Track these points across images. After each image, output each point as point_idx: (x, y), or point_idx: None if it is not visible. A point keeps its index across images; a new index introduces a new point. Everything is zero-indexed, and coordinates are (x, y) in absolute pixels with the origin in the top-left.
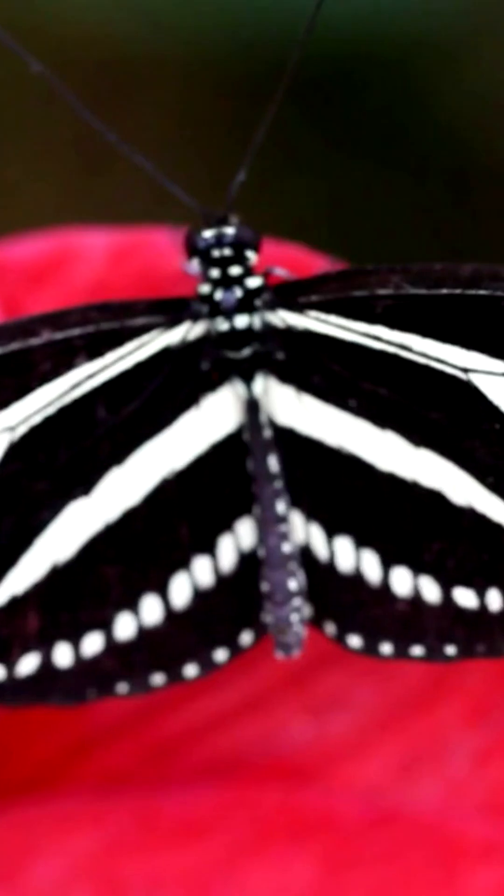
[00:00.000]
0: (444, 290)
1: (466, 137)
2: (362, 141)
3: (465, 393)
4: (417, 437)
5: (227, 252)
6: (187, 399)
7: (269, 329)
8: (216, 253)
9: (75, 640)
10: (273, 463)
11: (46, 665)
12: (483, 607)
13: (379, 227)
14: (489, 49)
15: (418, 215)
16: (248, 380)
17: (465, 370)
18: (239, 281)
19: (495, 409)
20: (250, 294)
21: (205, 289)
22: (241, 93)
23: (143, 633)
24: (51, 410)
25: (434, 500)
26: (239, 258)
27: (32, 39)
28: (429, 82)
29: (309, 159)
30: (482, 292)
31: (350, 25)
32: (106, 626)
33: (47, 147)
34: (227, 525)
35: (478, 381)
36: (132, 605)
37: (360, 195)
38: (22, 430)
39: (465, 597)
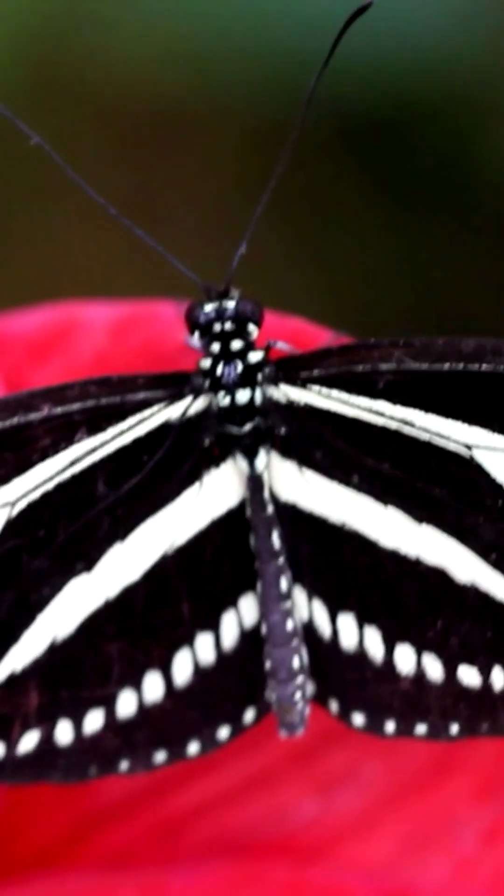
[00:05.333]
0: (447, 366)
1: None
2: (414, 197)
3: (468, 469)
4: (420, 513)
5: (228, 326)
6: (189, 474)
7: (270, 404)
8: (217, 327)
9: (76, 718)
10: (276, 539)
11: (47, 742)
12: (487, 686)
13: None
14: None
15: (472, 270)
16: (250, 455)
17: (468, 446)
18: (240, 355)
19: (499, 485)
20: (252, 369)
21: (206, 363)
22: (305, 149)
23: (145, 711)
24: (50, 486)
25: (437, 577)
26: (240, 332)
27: (77, 93)
28: (477, 136)
29: (361, 218)
30: (485, 367)
31: (398, 82)
32: (107, 703)
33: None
34: (229, 602)
35: (481, 457)
36: (134, 682)
37: (415, 253)
38: (21, 505)
39: (469, 675)
